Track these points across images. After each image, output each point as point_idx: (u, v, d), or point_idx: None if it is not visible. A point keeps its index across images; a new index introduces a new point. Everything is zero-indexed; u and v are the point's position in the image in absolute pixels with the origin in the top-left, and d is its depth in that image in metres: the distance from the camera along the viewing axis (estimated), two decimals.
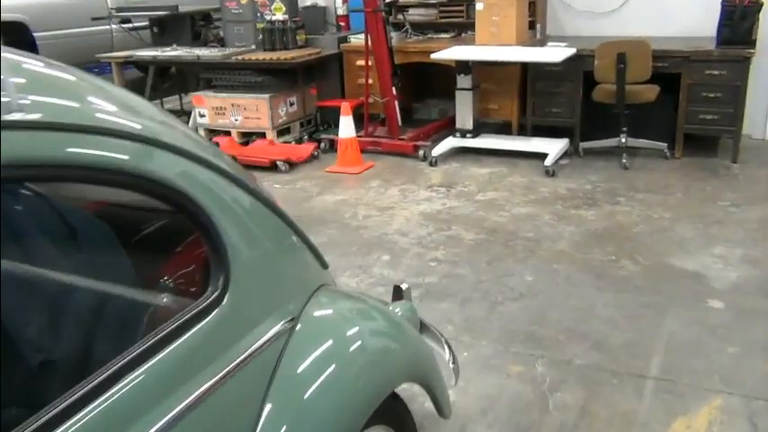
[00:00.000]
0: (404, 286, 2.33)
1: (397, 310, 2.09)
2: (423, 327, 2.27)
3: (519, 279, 3.65)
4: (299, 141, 6.43)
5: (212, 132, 6.58)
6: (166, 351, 1.13)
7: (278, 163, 5.74)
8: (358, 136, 5.88)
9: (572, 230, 4.26)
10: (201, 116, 6.59)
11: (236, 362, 1.26)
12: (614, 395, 2.65)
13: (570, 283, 3.59)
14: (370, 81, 6.18)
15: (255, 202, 1.45)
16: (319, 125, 6.69)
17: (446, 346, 2.28)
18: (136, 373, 1.08)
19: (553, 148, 5.53)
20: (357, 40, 6.44)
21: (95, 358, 1.19)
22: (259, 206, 1.47)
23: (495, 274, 3.72)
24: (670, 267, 3.71)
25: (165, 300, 1.32)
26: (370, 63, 5.97)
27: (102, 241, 1.32)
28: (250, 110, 6.35)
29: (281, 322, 1.45)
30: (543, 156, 5.43)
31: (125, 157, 1.09)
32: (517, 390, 2.70)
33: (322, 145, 6.20)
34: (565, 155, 5.65)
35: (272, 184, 5.45)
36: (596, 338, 3.04)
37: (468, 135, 5.88)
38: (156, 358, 1.11)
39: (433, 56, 5.66)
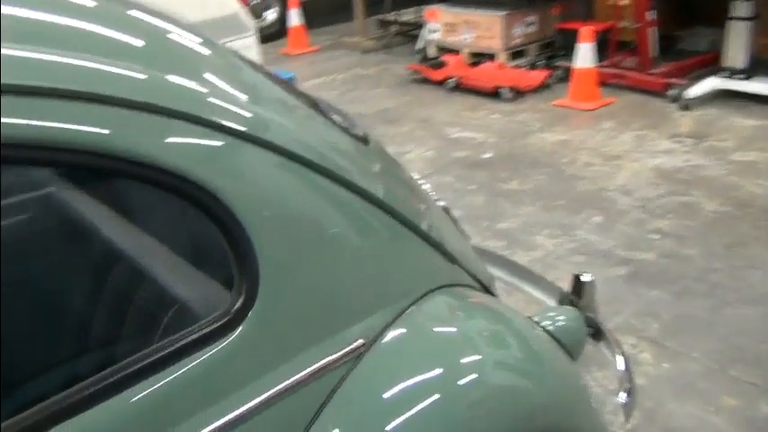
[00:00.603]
0: (586, 278, 1.79)
1: (559, 318, 1.59)
2: (598, 334, 1.75)
3: (764, 275, 2.85)
4: (533, 67, 5.79)
5: (442, 50, 6.20)
6: (144, 382, 0.82)
7: (501, 90, 5.21)
8: (600, 65, 5.10)
9: None
10: (433, 31, 6.22)
11: (264, 397, 0.92)
12: None
13: None
14: (624, 1, 5.29)
15: (352, 196, 1.07)
16: (558, 50, 5.96)
17: (622, 367, 1.74)
18: (99, 407, 0.79)
19: None
20: None
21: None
22: (354, 199, 1.09)
23: (733, 263, 2.95)
24: None
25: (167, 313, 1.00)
26: None
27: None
28: (483, 28, 5.83)
29: (355, 340, 1.08)
30: None
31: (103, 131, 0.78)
32: None
33: (557, 73, 5.51)
34: None
35: (489, 114, 4.98)
36: None
37: (737, 76, 4.80)
38: (129, 389, 0.80)
39: None
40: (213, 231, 0.90)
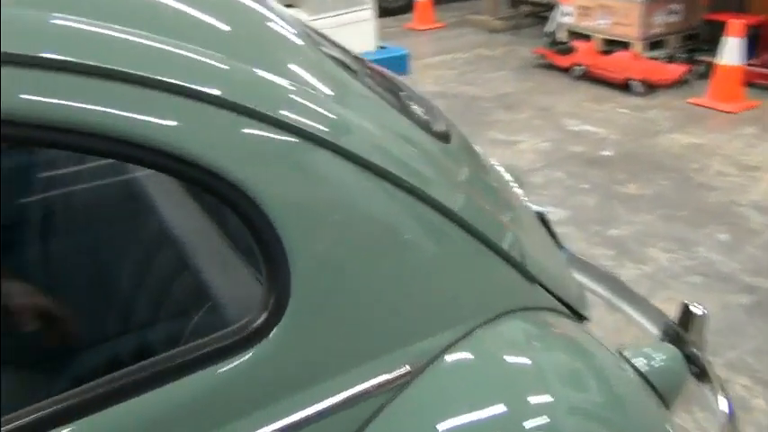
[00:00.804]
0: (698, 310, 1.55)
1: (655, 356, 1.38)
2: (703, 374, 1.51)
3: None
4: (671, 60, 5.34)
5: (574, 35, 5.85)
6: (145, 395, 0.73)
7: (632, 83, 4.83)
8: (748, 64, 4.61)
9: None
10: (565, 14, 5.87)
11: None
12: None
13: None
14: None
15: (423, 207, 0.95)
16: (702, 43, 5.45)
17: (727, 414, 1.49)
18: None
19: None
20: None
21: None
22: (425, 211, 0.96)
23: None
24: None
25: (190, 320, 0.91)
26: None
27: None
28: (620, 14, 5.43)
29: (400, 367, 0.94)
30: None
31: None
32: None
33: (697, 68, 5.04)
34: None
35: (615, 108, 4.64)
36: None
37: None
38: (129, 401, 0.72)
39: None
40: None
